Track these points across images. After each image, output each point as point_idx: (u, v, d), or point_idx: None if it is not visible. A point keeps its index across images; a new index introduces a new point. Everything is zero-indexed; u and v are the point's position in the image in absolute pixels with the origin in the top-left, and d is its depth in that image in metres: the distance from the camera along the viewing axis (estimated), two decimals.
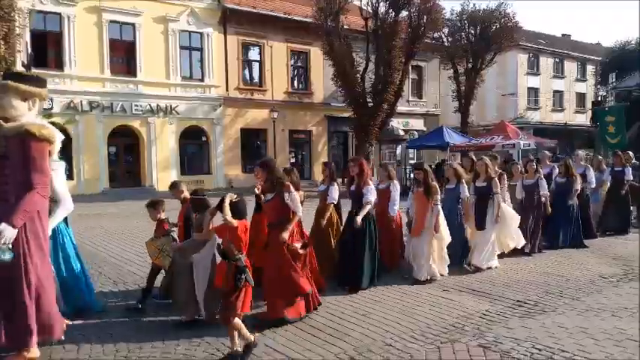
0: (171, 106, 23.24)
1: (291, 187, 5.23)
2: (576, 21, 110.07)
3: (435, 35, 27.42)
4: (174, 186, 6.06)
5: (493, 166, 8.13)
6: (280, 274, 5.11)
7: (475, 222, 7.56)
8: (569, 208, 9.08)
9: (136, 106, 22.42)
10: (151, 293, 5.75)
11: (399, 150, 21.94)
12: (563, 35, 48.80)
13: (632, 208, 10.81)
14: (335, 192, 6.70)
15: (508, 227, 7.79)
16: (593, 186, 10.17)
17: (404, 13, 22.86)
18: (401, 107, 26.79)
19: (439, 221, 6.74)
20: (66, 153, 21.11)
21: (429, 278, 6.68)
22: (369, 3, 22.64)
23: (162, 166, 23.00)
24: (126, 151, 23.37)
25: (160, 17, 22.89)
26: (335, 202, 6.77)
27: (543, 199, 8.63)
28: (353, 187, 6.61)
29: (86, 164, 21.26)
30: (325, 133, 28.43)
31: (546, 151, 12.12)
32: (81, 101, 21.06)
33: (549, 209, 8.68)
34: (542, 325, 5.00)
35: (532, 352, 4.34)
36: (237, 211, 4.32)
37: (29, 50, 13.84)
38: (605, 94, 31.13)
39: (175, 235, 5.77)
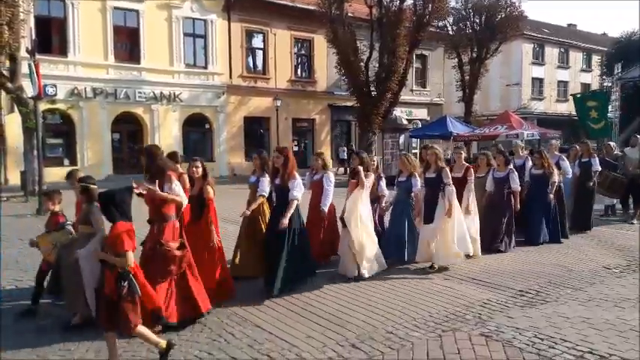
0: (174, 94, 23.20)
1: (174, 176, 4.70)
2: (582, 11, 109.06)
3: (440, 24, 27.23)
4: (69, 175, 5.44)
5: (460, 157, 7.72)
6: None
7: (424, 216, 6.93)
8: (548, 203, 8.47)
9: (140, 93, 22.38)
10: (41, 295, 5.23)
11: (402, 139, 21.83)
12: (569, 25, 48.38)
13: (593, 204, 10.03)
14: (266, 184, 6.07)
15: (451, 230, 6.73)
16: (569, 176, 9.47)
17: (409, 2, 22.72)
18: (404, 96, 26.68)
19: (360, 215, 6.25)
20: (69, 139, 21.20)
21: (355, 275, 6.25)
22: None
23: (165, 153, 22.98)
24: (129, 138, 23.35)
25: (164, 4, 22.76)
26: (266, 195, 6.14)
27: (513, 193, 8.01)
28: (277, 181, 5.83)
29: (90, 151, 21.28)
30: (328, 122, 28.37)
31: (520, 141, 11.64)
32: (85, 88, 21.02)
33: (518, 206, 8.04)
34: (544, 315, 5.01)
35: (534, 342, 4.36)
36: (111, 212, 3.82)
37: (33, 36, 13.78)
38: (610, 84, 30.94)
39: (72, 228, 5.09)
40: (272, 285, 5.58)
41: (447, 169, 6.79)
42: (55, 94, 19.09)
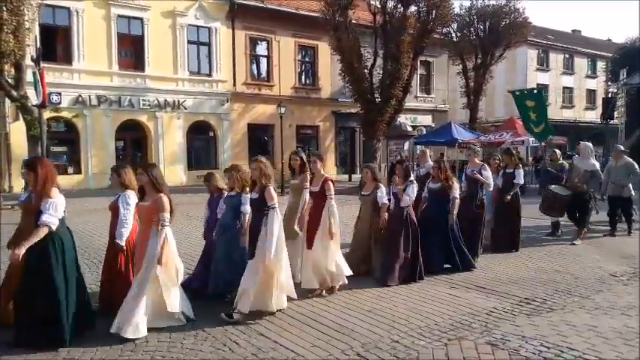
0: (178, 101, 23.27)
1: None
2: (587, 17, 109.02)
3: (444, 30, 27.25)
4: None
5: (316, 165, 6.16)
6: None
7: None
8: (445, 223, 7.05)
9: (144, 100, 22.47)
10: None
11: (406, 146, 21.83)
12: (574, 31, 48.37)
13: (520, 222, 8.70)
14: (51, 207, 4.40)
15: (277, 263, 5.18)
16: (491, 189, 8.10)
17: (412, 8, 22.71)
18: (409, 103, 26.66)
19: (163, 250, 4.75)
20: (74, 147, 21.27)
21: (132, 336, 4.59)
22: None
23: (169, 160, 23.05)
24: (133, 146, 23.43)
25: (168, 12, 22.89)
26: (50, 224, 4.46)
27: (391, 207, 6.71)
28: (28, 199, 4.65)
29: (94, 158, 21.33)
30: (332, 129, 28.37)
31: (425, 148, 9.73)
32: (89, 95, 21.11)
33: (384, 220, 6.64)
34: (551, 323, 4.95)
35: (540, 350, 4.30)
36: None
37: (38, 44, 13.85)
38: (615, 90, 30.85)
39: None
40: (56, 332, 4.38)
41: (272, 189, 5.19)
42: (60, 102, 19.16)
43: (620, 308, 5.39)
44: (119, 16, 21.76)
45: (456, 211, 7.03)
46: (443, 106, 33.00)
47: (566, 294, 5.96)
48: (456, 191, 7.08)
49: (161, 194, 4.88)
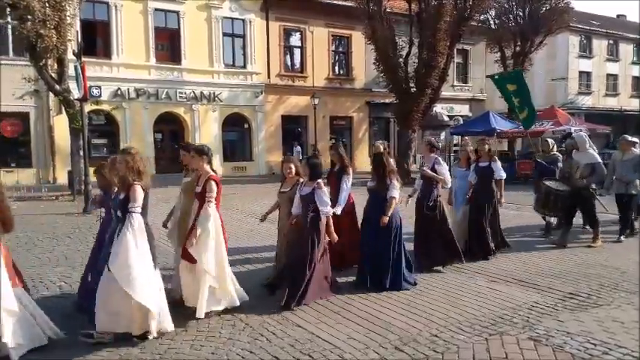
0: (214, 94, 23.53)
1: None
2: (632, 1, 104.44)
3: (482, 18, 26.56)
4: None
5: (200, 162, 4.98)
6: None
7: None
8: (383, 229, 5.82)
9: (181, 93, 22.82)
10: None
11: (442, 136, 21.50)
12: (618, 16, 46.46)
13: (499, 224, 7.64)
14: None
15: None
16: (448, 186, 7.04)
17: None
18: (445, 92, 26.14)
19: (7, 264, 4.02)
20: (114, 139, 21.80)
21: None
22: None
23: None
24: (171, 138, 23.86)
25: (203, 4, 23.12)
26: None
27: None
28: None
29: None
30: (366, 120, 28.19)
31: (379, 142, 8.60)
32: (128, 89, 21.60)
33: (334, 236, 5.48)
34: (597, 319, 4.78)
35: (586, 347, 4.15)
36: None
37: (79, 39, 14.22)
38: None
39: None
40: None
41: (139, 187, 4.34)
42: (100, 96, 19.65)
43: None
44: (156, 9, 22.12)
45: (389, 213, 5.78)
46: (480, 95, 32.31)
47: (613, 289, 5.74)
48: (395, 191, 5.88)
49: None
